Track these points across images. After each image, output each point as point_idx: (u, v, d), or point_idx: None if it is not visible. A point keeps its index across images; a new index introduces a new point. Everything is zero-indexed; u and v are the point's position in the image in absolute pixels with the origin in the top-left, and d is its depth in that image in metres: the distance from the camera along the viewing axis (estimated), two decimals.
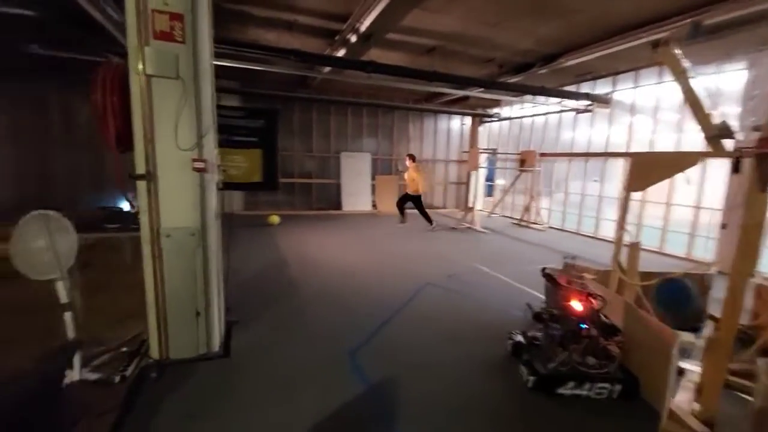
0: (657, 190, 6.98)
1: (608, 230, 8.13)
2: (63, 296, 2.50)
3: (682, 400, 2.32)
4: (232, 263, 5.42)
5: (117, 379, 2.54)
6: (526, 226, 9.66)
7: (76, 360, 2.53)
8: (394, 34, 6.28)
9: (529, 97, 9.83)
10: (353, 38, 6.10)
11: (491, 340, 3.32)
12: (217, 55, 6.02)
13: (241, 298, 4.10)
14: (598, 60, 6.73)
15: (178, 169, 2.70)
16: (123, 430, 2.10)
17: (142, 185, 2.66)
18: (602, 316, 2.66)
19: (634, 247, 2.89)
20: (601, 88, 8.59)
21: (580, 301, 2.62)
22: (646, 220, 7.53)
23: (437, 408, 2.42)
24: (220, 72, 7.87)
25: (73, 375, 2.50)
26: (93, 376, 2.55)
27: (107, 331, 3.13)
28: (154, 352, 2.82)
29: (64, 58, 6.28)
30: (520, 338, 2.97)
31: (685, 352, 2.76)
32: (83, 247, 5.60)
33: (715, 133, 2.44)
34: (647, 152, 7.02)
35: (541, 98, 9.41)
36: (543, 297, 3.37)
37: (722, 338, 2.09)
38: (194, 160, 2.71)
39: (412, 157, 9.17)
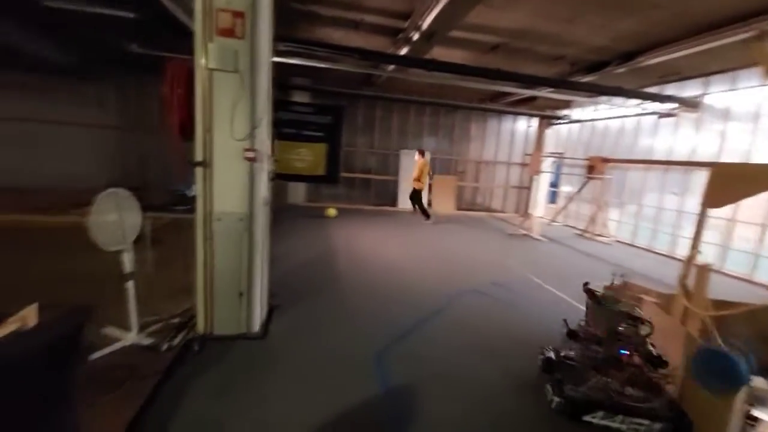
0: (750, 209, 6.08)
1: (687, 249, 7.24)
2: (127, 266, 2.79)
3: None
4: (286, 251, 5.74)
5: (164, 347, 2.78)
6: (591, 238, 8.96)
7: (134, 325, 2.83)
8: (457, 32, 6.13)
9: (604, 98, 9.09)
10: (416, 36, 6.06)
11: (529, 358, 3.11)
12: (288, 54, 6.45)
13: (287, 284, 4.28)
14: (685, 59, 6.00)
15: (232, 157, 2.88)
16: (160, 395, 2.30)
17: (199, 171, 2.88)
18: (649, 345, 2.37)
19: (704, 270, 2.52)
20: (689, 90, 7.66)
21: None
22: (734, 243, 6.60)
23: (458, 425, 2.32)
24: (292, 70, 8.37)
25: (129, 338, 2.79)
26: (146, 342, 2.82)
27: (165, 303, 3.45)
28: (200, 327, 3.05)
29: (159, 56, 7.00)
30: (551, 355, 2.76)
31: (760, 400, 2.37)
32: (158, 225, 6.19)
33: None
34: (731, 163, 6.14)
35: (618, 100, 8.65)
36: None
37: None
38: (246, 150, 2.87)
39: (422, 153, 9.43)
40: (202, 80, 2.74)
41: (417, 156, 9.48)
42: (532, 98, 10.38)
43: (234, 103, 2.80)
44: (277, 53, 6.46)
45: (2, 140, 9.33)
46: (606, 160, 8.62)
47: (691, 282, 2.75)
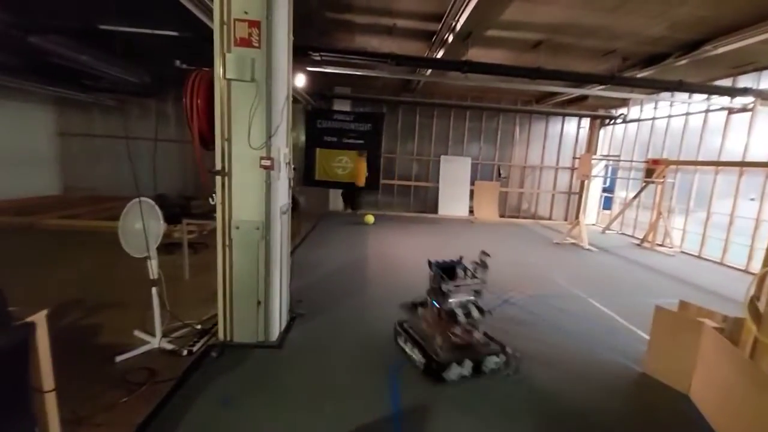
0: None
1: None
2: (152, 273, 2.87)
3: None
4: (321, 258, 5.75)
5: (185, 352, 2.83)
6: (650, 249, 8.13)
7: (158, 330, 2.91)
8: (493, 31, 5.87)
9: (666, 94, 8.26)
10: (450, 38, 5.88)
11: (557, 380, 2.81)
12: (324, 63, 6.54)
13: (316, 292, 4.26)
14: (763, 45, 5.24)
15: (249, 166, 2.88)
16: (172, 400, 2.32)
17: (219, 180, 2.92)
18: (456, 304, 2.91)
19: None
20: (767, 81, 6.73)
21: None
22: None
23: None
24: (334, 79, 8.48)
25: (153, 342, 2.87)
26: (168, 347, 2.88)
27: (196, 308, 3.54)
28: (221, 334, 3.07)
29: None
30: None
31: None
32: (205, 232, 6.38)
33: None
34: None
35: (682, 96, 7.81)
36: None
37: None
38: (262, 158, 2.86)
39: (360, 153, 10.21)
40: (220, 90, 2.78)
41: (359, 157, 10.05)
42: (583, 98, 9.73)
43: (251, 112, 2.81)
44: (313, 63, 6.59)
45: (82, 154, 10.44)
46: (657, 162, 7.79)
47: (763, 304, 2.33)
